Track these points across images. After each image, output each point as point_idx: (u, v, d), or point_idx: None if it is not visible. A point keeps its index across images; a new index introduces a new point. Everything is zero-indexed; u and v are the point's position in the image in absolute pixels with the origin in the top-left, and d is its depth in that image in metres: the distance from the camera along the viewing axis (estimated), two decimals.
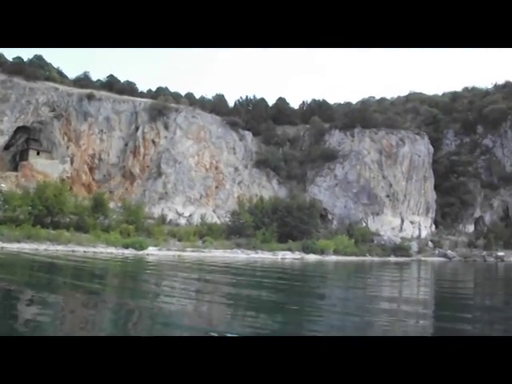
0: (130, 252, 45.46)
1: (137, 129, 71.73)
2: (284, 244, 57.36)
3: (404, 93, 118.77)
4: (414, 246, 63.89)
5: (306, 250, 56.06)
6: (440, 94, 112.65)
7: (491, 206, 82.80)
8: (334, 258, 55.41)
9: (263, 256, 51.81)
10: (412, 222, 74.28)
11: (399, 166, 76.28)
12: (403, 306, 22.55)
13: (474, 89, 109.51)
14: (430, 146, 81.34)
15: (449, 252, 63.65)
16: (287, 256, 53.26)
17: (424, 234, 73.83)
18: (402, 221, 73.78)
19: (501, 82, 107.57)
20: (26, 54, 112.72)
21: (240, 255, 51.39)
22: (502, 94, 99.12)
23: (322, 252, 56.29)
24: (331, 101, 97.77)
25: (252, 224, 59.67)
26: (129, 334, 8.16)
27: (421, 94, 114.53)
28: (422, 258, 60.50)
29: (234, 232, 59.18)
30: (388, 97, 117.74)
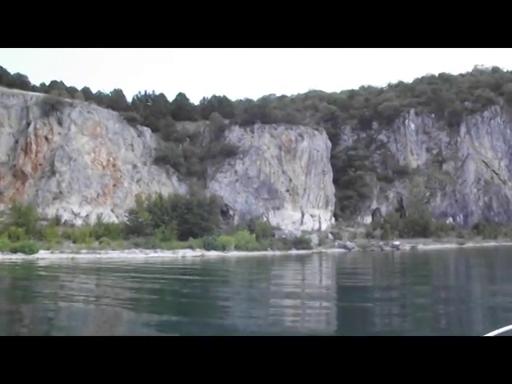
0: (18, 257, 43.01)
1: (28, 124, 67.58)
2: (184, 242, 56.16)
3: (304, 90, 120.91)
4: (315, 239, 64.47)
5: (207, 246, 55.15)
6: (338, 91, 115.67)
7: (387, 198, 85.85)
8: (235, 253, 54.83)
9: (163, 255, 50.54)
10: (312, 216, 75.24)
11: (298, 160, 77.05)
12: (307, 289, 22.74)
13: (369, 87, 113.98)
14: (329, 141, 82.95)
15: (348, 243, 64.77)
16: (188, 254, 52.12)
17: (324, 226, 75.01)
18: (303, 214, 74.57)
19: (394, 81, 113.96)
20: None
21: (138, 255, 49.72)
22: (395, 93, 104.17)
23: (223, 248, 55.54)
24: (232, 98, 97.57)
25: (151, 222, 58.06)
26: None
27: (320, 91, 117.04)
28: (323, 250, 61.16)
29: (133, 231, 57.34)
30: (288, 94, 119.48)
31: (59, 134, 68.19)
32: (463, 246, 69.37)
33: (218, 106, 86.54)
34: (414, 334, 11.93)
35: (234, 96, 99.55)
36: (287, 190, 74.85)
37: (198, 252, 53.15)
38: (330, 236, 69.73)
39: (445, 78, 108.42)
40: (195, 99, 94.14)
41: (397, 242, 66.08)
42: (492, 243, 71.88)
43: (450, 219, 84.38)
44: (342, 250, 62.34)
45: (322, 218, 75.95)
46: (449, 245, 69.22)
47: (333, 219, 78.57)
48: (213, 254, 53.04)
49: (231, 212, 71.91)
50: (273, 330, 12.47)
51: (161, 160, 74.29)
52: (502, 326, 3.00)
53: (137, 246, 53.25)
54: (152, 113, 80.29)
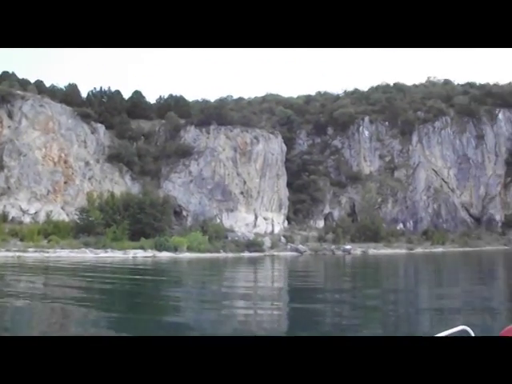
0: None
1: None
2: (136, 242, 55.42)
3: (261, 94, 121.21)
4: (267, 242, 64.56)
5: (159, 247, 54.65)
6: (295, 96, 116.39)
7: (339, 203, 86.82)
8: (187, 255, 54.42)
9: (113, 255, 49.78)
10: (265, 219, 75.35)
11: (253, 163, 77.03)
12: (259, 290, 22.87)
13: (326, 93, 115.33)
14: (284, 145, 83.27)
15: (300, 246, 65.09)
16: (139, 254, 51.44)
17: (277, 229, 75.21)
18: (256, 217, 74.55)
19: (350, 88, 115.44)
20: None
21: (88, 255, 48.76)
22: (351, 100, 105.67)
23: (175, 249, 55.08)
24: (189, 98, 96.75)
25: (102, 221, 56.97)
26: None
27: (277, 95, 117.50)
28: (275, 253, 61.28)
29: (83, 230, 56.19)
30: (245, 96, 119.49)
31: (9, 127, 66.17)
32: (412, 251, 70.75)
33: (174, 106, 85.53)
34: (363, 334, 12.12)
35: (191, 96, 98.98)
36: (241, 193, 74.73)
37: (150, 253, 52.54)
38: (283, 239, 69.96)
39: (399, 88, 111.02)
40: (151, 98, 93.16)
41: (348, 247, 66.83)
42: (440, 249, 73.60)
43: (401, 225, 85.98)
44: (294, 254, 62.63)
45: (275, 221, 76.15)
46: (399, 250, 70.47)
47: (286, 222, 78.88)
48: (164, 255, 52.55)
49: (184, 213, 71.25)
50: (224, 330, 12.41)
51: (114, 158, 72.97)
52: (448, 326, 3.13)
53: (87, 245, 52.22)
54: (107, 109, 78.72)
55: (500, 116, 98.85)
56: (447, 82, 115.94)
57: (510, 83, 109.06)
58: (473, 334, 3.04)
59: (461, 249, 73.15)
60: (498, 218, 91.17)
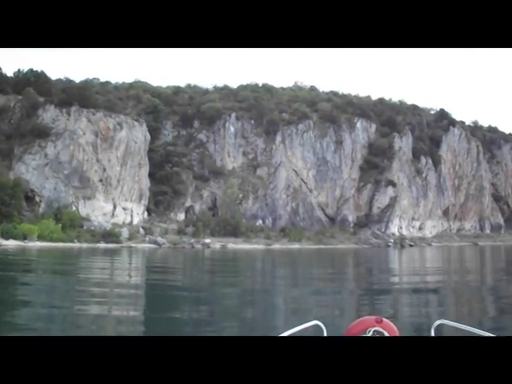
0: None
1: None
2: None
3: (129, 80, 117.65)
4: (125, 233, 62.83)
5: (6, 234, 51.09)
6: (164, 85, 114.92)
7: (201, 197, 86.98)
8: (38, 244, 51.25)
9: None
10: (124, 209, 73.15)
11: (115, 150, 74.38)
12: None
13: (195, 86, 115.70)
14: (148, 134, 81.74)
15: (159, 239, 64.12)
16: None
17: (136, 220, 73.42)
18: (115, 206, 72.03)
19: (220, 84, 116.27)
20: None
21: None
22: (220, 95, 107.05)
23: (24, 237, 51.68)
24: (52, 75, 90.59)
25: None
26: None
27: (145, 83, 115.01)
28: (133, 245, 59.79)
29: None
30: (113, 81, 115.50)
31: None
32: (270, 246, 72.70)
33: (34, 82, 79.61)
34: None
35: (53, 74, 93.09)
36: (100, 180, 71.76)
37: None
38: (142, 231, 68.51)
39: (267, 89, 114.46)
40: (9, 70, 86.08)
41: (208, 240, 67.11)
42: (296, 245, 76.43)
43: (260, 221, 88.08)
44: (153, 246, 61.60)
45: (134, 212, 74.21)
46: (257, 245, 72.04)
47: (145, 214, 77.32)
48: (12, 243, 49.26)
49: (37, 198, 66.61)
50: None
51: None
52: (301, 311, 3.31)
53: None
54: None
55: (358, 125, 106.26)
56: (313, 89, 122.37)
57: (368, 96, 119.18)
58: (324, 328, 3.14)
59: (316, 246, 76.58)
60: (350, 218, 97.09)
